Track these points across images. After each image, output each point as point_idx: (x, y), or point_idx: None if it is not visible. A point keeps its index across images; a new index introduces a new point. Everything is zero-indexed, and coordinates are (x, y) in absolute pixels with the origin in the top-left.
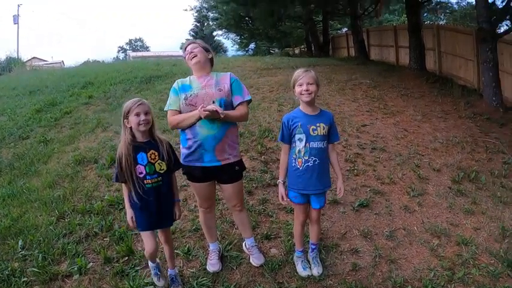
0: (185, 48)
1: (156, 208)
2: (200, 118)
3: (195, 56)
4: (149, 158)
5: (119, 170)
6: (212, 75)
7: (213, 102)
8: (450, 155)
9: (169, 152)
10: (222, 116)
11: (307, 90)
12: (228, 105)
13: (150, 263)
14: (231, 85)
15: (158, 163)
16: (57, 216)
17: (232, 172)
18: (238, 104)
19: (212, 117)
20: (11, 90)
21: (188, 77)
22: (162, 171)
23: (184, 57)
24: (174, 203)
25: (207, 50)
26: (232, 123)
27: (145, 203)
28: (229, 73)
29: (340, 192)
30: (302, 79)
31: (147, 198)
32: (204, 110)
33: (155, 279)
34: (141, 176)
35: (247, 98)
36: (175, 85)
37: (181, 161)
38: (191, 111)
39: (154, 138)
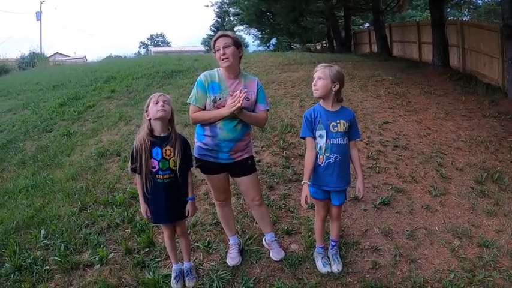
0: (215, 41)
1: (165, 203)
2: (223, 117)
3: (227, 58)
4: (164, 154)
5: (133, 161)
6: (241, 78)
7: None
8: (473, 155)
9: (184, 150)
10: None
11: (314, 85)
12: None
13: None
14: (257, 93)
15: (173, 160)
16: (79, 207)
17: (244, 165)
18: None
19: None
20: (35, 84)
21: (216, 72)
22: (175, 168)
23: (213, 51)
24: (187, 201)
25: (238, 46)
26: (250, 126)
27: (155, 197)
28: (256, 79)
29: (359, 192)
30: (315, 74)
31: (157, 192)
32: (233, 106)
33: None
34: (154, 170)
35: (267, 107)
36: (203, 78)
37: (194, 153)
38: None
39: (172, 133)
